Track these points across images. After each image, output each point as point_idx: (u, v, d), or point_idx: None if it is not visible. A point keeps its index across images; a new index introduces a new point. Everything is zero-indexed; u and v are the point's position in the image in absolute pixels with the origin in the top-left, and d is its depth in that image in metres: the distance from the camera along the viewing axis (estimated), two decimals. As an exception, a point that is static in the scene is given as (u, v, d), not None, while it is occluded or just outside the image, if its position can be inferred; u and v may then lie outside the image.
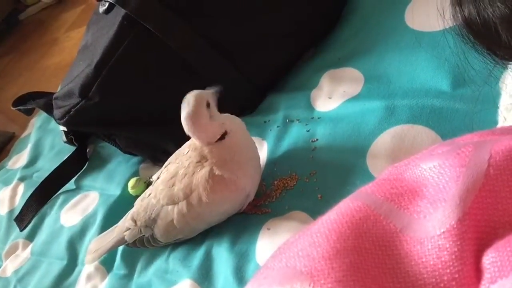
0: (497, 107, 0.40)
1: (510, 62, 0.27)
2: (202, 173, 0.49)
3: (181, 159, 0.51)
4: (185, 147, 0.53)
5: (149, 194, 0.54)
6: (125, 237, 0.55)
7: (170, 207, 0.51)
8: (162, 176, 0.53)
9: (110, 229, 0.58)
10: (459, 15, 0.26)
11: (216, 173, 0.48)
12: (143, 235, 0.54)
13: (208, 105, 0.47)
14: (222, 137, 0.48)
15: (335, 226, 0.20)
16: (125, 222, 0.56)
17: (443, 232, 0.18)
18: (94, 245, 0.59)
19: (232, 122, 0.50)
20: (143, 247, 0.55)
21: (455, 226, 0.18)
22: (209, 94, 0.48)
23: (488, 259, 0.17)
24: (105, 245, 0.57)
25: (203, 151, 0.49)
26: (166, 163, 0.54)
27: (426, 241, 0.18)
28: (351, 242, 0.19)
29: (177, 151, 0.54)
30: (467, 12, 0.25)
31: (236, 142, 0.49)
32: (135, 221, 0.54)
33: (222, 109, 0.66)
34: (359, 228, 0.20)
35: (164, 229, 0.52)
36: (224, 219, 0.53)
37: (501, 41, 0.24)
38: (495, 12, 0.23)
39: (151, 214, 0.52)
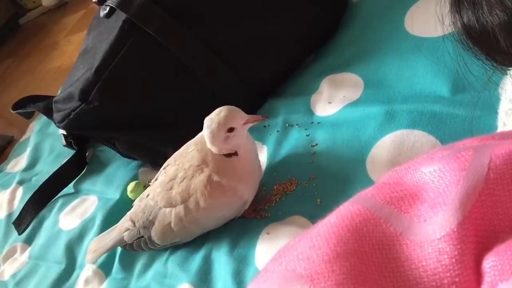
0: (497, 112, 0.40)
1: (509, 68, 0.27)
2: (200, 178, 0.49)
3: (182, 161, 0.51)
4: (191, 145, 0.53)
5: (147, 195, 0.54)
6: (124, 238, 0.55)
7: (168, 209, 0.51)
8: (160, 178, 0.53)
9: (110, 229, 0.58)
10: (458, 22, 0.26)
11: (214, 179, 0.49)
12: (142, 236, 0.54)
13: (231, 130, 0.47)
14: (229, 155, 0.49)
15: (335, 230, 0.20)
16: (124, 222, 0.56)
17: (443, 235, 0.18)
18: (93, 244, 0.59)
19: (245, 147, 0.50)
20: (140, 249, 0.55)
21: (455, 229, 0.18)
22: (243, 118, 0.48)
23: (488, 263, 0.17)
24: (105, 245, 0.57)
25: (207, 157, 0.49)
26: (165, 164, 0.54)
27: (426, 245, 0.18)
28: (351, 246, 0.19)
29: (176, 153, 0.54)
30: (466, 19, 0.26)
31: (240, 164, 0.50)
32: (133, 222, 0.54)
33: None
34: (359, 231, 0.20)
35: (161, 232, 0.52)
36: (221, 224, 0.53)
37: (500, 47, 0.24)
38: (494, 19, 0.23)
39: (149, 215, 0.52)
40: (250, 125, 0.49)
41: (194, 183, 0.49)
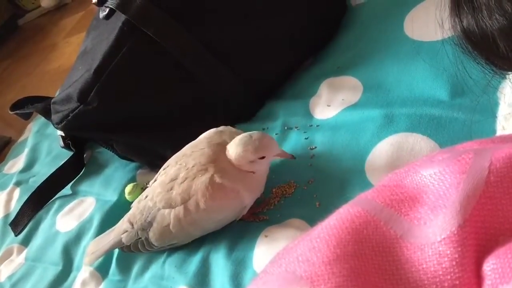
0: (496, 117, 0.40)
1: (508, 72, 0.27)
2: (202, 179, 0.49)
3: (185, 160, 0.51)
4: (198, 144, 0.52)
5: (146, 196, 0.53)
6: (122, 240, 0.55)
7: (166, 211, 0.51)
8: (160, 178, 0.53)
9: (108, 230, 0.58)
10: (458, 26, 0.26)
11: (216, 181, 0.48)
12: (140, 238, 0.54)
13: (262, 157, 0.48)
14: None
15: (335, 232, 0.20)
16: (123, 224, 0.55)
17: (444, 238, 0.18)
18: (92, 246, 0.58)
19: (264, 170, 0.52)
20: (137, 251, 0.55)
21: (455, 232, 0.18)
22: (276, 151, 0.49)
23: (489, 265, 0.17)
24: (103, 247, 0.57)
25: (220, 155, 0.49)
26: (165, 165, 0.54)
27: (426, 248, 0.18)
28: (351, 248, 0.19)
29: (177, 153, 0.54)
30: (465, 23, 0.26)
31: (252, 179, 0.50)
32: (132, 224, 0.54)
33: (221, 115, 0.66)
34: (359, 233, 0.20)
35: (159, 233, 0.52)
36: (220, 227, 0.53)
37: (499, 51, 0.24)
38: (494, 23, 0.23)
39: (147, 217, 0.52)
40: (278, 157, 0.50)
41: (195, 184, 0.49)
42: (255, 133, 0.49)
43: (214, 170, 0.49)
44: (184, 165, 0.51)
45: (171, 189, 0.50)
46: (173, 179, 0.51)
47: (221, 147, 0.50)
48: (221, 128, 0.54)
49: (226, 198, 0.49)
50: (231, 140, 0.51)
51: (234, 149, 0.48)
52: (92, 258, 0.58)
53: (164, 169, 0.54)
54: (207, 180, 0.48)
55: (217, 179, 0.48)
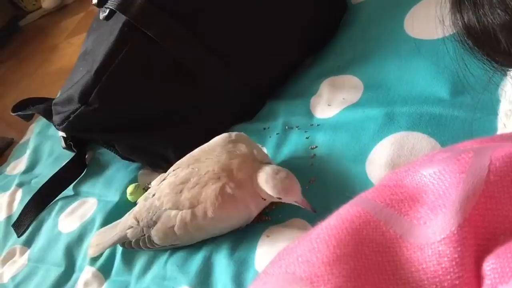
0: (497, 114, 0.40)
1: (510, 69, 0.27)
2: (213, 188, 0.48)
3: (198, 165, 0.51)
4: (215, 149, 0.51)
5: (153, 195, 0.53)
6: (127, 235, 0.55)
7: (173, 212, 0.51)
8: (169, 179, 0.52)
9: (113, 224, 0.58)
10: (459, 22, 0.26)
11: (227, 191, 0.48)
12: (144, 235, 0.54)
13: (279, 198, 0.48)
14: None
15: (334, 232, 0.20)
16: (128, 220, 0.55)
17: (443, 238, 0.18)
18: (96, 238, 0.59)
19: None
20: (138, 248, 0.55)
21: (455, 232, 0.18)
22: (295, 198, 0.47)
23: (489, 265, 0.17)
24: (107, 240, 0.57)
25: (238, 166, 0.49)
26: (175, 166, 0.54)
27: (426, 247, 0.18)
28: (351, 248, 0.19)
29: (189, 155, 0.53)
30: (466, 19, 0.25)
31: (260, 199, 0.50)
32: (138, 221, 0.54)
33: (222, 115, 0.66)
34: (359, 234, 0.20)
35: (163, 233, 0.52)
36: (224, 232, 0.53)
37: (500, 47, 0.24)
38: (495, 19, 0.23)
39: (153, 215, 0.52)
40: (297, 204, 0.48)
41: (205, 192, 0.49)
42: (282, 172, 0.47)
43: (226, 180, 0.48)
44: (197, 170, 0.50)
45: (180, 192, 0.50)
46: (183, 182, 0.50)
47: (235, 156, 0.50)
48: (234, 135, 0.53)
49: (235, 209, 0.49)
50: (246, 150, 0.50)
51: (263, 178, 0.47)
52: (96, 250, 0.58)
53: (174, 170, 0.54)
54: (218, 189, 0.48)
55: (228, 189, 0.48)
